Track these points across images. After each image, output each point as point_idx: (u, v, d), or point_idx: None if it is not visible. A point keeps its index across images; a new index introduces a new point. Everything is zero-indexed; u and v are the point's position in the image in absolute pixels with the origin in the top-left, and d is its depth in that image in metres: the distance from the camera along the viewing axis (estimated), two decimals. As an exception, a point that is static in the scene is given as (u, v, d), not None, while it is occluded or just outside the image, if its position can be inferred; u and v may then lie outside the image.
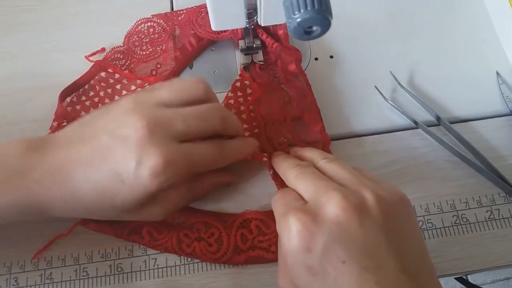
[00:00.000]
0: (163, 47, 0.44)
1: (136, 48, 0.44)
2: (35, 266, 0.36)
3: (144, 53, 0.44)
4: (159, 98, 0.32)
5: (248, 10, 0.34)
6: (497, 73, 0.43)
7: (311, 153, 0.35)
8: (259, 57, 0.43)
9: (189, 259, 0.36)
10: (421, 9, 0.46)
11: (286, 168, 0.33)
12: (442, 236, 0.37)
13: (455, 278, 0.78)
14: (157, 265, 0.36)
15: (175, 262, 0.36)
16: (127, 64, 0.43)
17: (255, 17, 0.35)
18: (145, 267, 0.36)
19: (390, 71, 0.42)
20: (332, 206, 0.27)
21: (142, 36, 0.44)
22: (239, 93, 0.40)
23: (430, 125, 0.40)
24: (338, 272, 0.26)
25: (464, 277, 0.85)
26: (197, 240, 0.36)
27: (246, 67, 0.42)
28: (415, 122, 0.40)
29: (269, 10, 0.33)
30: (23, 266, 0.36)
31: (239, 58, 0.43)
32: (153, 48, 0.44)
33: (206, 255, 0.36)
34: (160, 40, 0.44)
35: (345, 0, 0.46)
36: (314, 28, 0.27)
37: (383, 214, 0.27)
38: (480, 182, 0.39)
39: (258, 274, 0.36)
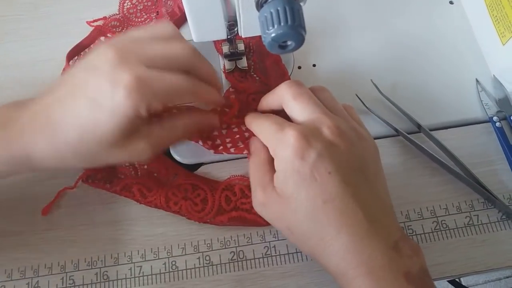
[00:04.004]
0: (157, 14, 0.46)
1: (131, 15, 0.46)
2: (22, 275, 0.37)
3: (139, 19, 0.46)
4: (130, 36, 0.33)
5: (228, 22, 0.34)
6: (477, 81, 0.43)
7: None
8: (243, 63, 0.43)
9: (173, 267, 0.37)
10: (402, 18, 0.47)
11: (284, 88, 0.34)
12: (423, 242, 0.38)
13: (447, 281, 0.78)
14: (142, 272, 0.37)
15: (160, 270, 0.37)
16: (123, 31, 0.45)
17: (235, 29, 0.35)
18: (131, 275, 0.37)
19: (371, 80, 0.43)
20: (328, 129, 0.32)
21: (136, 3, 0.47)
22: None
23: (411, 132, 0.41)
24: (323, 180, 0.30)
25: (457, 279, 0.85)
26: (184, 199, 0.38)
27: (230, 73, 0.43)
28: (396, 130, 0.41)
29: (248, 23, 0.33)
30: (10, 274, 0.37)
31: (222, 64, 0.43)
32: (148, 15, 0.46)
33: (191, 213, 0.38)
34: (153, 7, 0.46)
35: (328, 9, 0.47)
36: (289, 42, 0.27)
37: (364, 149, 0.33)
38: (460, 188, 0.39)
39: (242, 280, 0.37)
